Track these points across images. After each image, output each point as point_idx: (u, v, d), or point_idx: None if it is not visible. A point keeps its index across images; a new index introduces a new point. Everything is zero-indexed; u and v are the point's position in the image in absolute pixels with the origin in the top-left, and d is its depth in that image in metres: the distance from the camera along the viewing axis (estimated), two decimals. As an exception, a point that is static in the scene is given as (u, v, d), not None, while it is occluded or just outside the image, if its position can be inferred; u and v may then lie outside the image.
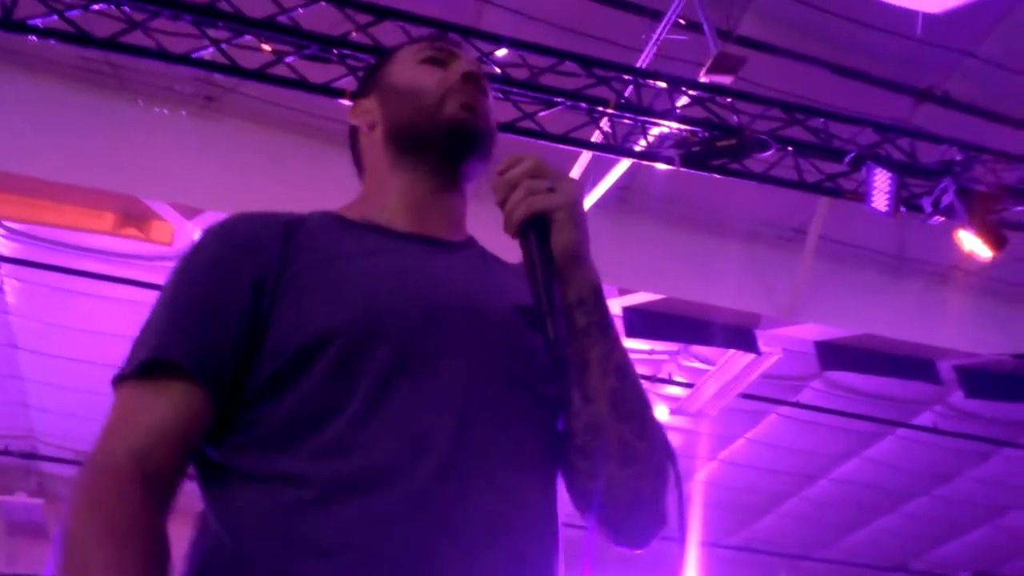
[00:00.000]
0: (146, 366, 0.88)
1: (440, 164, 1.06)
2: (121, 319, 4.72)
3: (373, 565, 0.81)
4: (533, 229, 0.91)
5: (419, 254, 1.00)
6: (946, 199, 3.88)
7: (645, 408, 0.94)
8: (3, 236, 4.80)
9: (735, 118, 3.93)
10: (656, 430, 0.94)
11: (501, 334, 0.93)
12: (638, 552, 0.95)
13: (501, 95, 3.84)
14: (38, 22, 3.29)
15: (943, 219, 4.11)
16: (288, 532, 0.82)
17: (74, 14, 3.31)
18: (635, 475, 0.91)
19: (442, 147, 1.05)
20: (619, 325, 5.33)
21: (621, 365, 0.93)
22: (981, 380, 5.68)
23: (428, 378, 0.89)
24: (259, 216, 1.00)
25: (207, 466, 0.91)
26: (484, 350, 0.93)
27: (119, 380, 0.90)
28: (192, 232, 4.60)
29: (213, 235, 0.98)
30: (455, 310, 0.94)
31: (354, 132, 1.15)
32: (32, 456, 6.37)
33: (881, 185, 3.80)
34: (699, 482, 7.17)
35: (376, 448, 0.85)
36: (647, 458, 0.92)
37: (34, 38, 3.32)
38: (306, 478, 0.84)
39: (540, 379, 0.94)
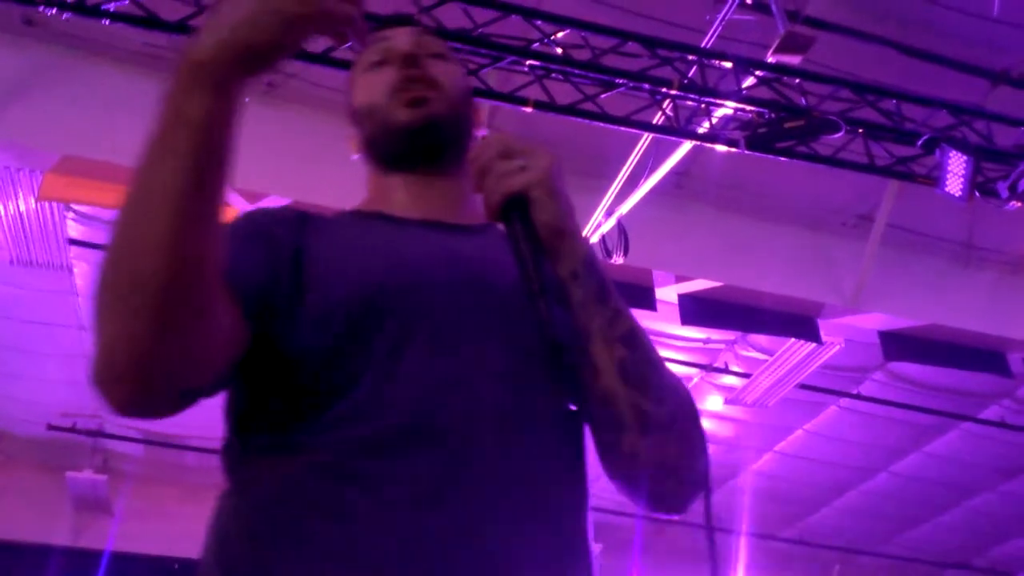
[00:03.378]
0: None
1: (414, 165, 1.07)
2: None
3: (387, 528, 0.81)
4: (515, 211, 0.90)
5: (429, 236, 1.01)
6: (1024, 183, 3.75)
7: (660, 374, 0.91)
8: (73, 219, 4.93)
9: (803, 99, 3.84)
10: (675, 395, 0.92)
11: (512, 309, 0.91)
12: (676, 518, 0.94)
13: (562, 77, 3.81)
14: (110, 6, 3.35)
15: (1019, 205, 3.96)
16: (303, 498, 0.83)
17: (145, -2, 3.37)
18: (658, 442, 0.89)
19: (405, 152, 1.06)
20: (674, 313, 5.28)
21: (627, 334, 0.91)
22: (1053, 373, 5.49)
23: (439, 349, 0.89)
24: (274, 207, 1.03)
25: (229, 446, 0.92)
26: (494, 324, 0.92)
27: None
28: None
29: (243, 215, 1.01)
30: (464, 285, 0.94)
31: None
32: (98, 434, 6.56)
33: (956, 169, 3.67)
34: (753, 473, 7.09)
35: (388, 416, 0.85)
36: (668, 425, 0.90)
37: (107, 22, 3.38)
38: (319, 446, 0.85)
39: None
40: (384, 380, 0.87)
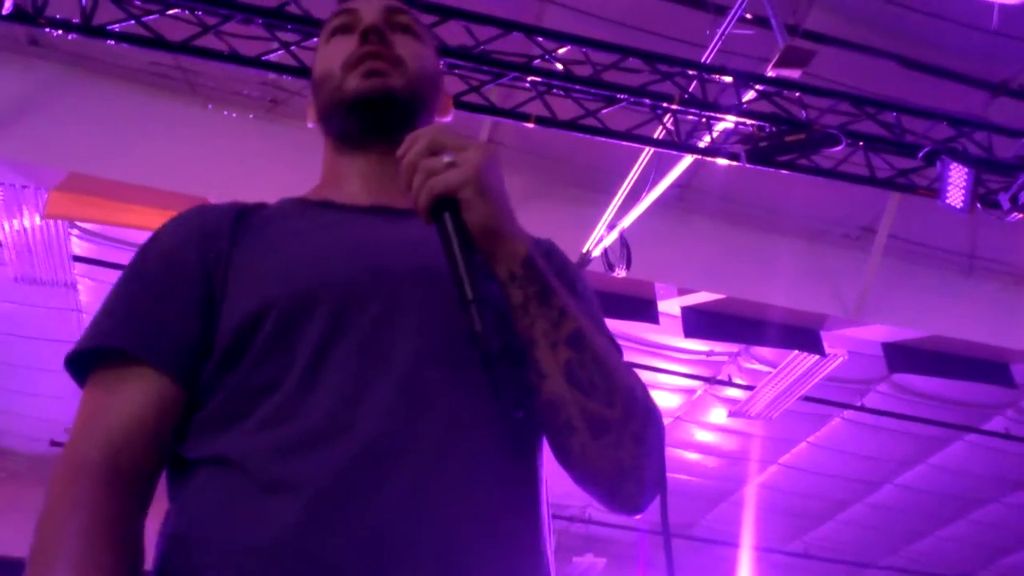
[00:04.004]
0: (98, 353, 0.89)
1: (365, 138, 1.01)
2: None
3: (317, 528, 0.78)
4: (444, 211, 0.83)
5: (374, 225, 0.96)
6: (1025, 195, 3.76)
7: (612, 375, 0.86)
8: (77, 237, 4.95)
9: (803, 113, 3.86)
10: (629, 394, 0.87)
11: (455, 297, 0.84)
12: (637, 517, 0.91)
13: (564, 92, 3.84)
14: (115, 27, 3.38)
15: (1020, 216, 3.98)
16: (232, 510, 0.80)
17: (150, 19, 3.39)
18: (610, 444, 0.85)
19: (356, 123, 1.01)
20: (677, 325, 5.28)
21: (573, 335, 0.85)
22: (1057, 384, 5.48)
23: (373, 339, 0.85)
24: (215, 206, 0.99)
25: (170, 460, 0.90)
26: (434, 314, 0.88)
27: (79, 369, 0.90)
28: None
29: (166, 226, 0.97)
30: (403, 275, 0.90)
31: None
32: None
33: (957, 181, 3.69)
34: (756, 486, 7.06)
35: (315, 412, 0.82)
36: (620, 426, 0.85)
37: (111, 43, 3.41)
38: (247, 454, 0.82)
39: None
40: (313, 375, 0.84)
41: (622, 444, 0.86)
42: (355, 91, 0.99)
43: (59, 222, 4.76)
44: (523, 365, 0.87)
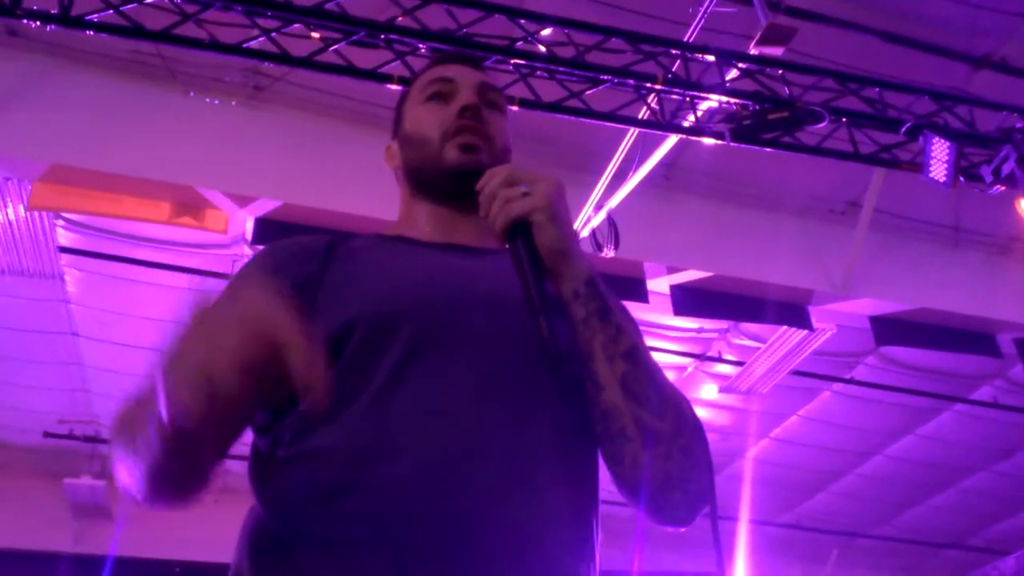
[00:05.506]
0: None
1: (451, 200, 1.14)
2: (178, 306, 4.82)
3: (404, 527, 0.85)
4: (519, 234, 0.95)
5: (448, 258, 1.07)
6: (1007, 167, 3.78)
7: (663, 390, 0.95)
8: (63, 227, 4.93)
9: (787, 90, 3.86)
10: (678, 409, 0.95)
11: (524, 326, 0.94)
12: (683, 530, 0.96)
13: (547, 75, 3.83)
14: (94, 17, 3.35)
15: (1003, 188, 4.00)
16: (320, 505, 0.87)
17: (129, 8, 3.37)
18: (660, 455, 0.92)
19: (447, 189, 1.13)
20: (667, 304, 5.30)
21: (630, 349, 0.95)
22: (1043, 353, 5.53)
23: (448, 361, 0.94)
24: (308, 236, 1.11)
25: (255, 457, 0.98)
26: (505, 339, 0.97)
27: None
28: (245, 219, 4.67)
29: (265, 249, 1.10)
30: (477, 303, 0.99)
31: None
32: (95, 440, 6.56)
33: (939, 155, 3.70)
34: (750, 460, 7.13)
35: (397, 420, 0.90)
36: (670, 438, 0.93)
37: (91, 32, 3.38)
38: (333, 452, 0.89)
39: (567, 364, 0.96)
40: (394, 387, 0.92)
41: (671, 456, 0.93)
42: (452, 163, 1.12)
43: (44, 213, 4.74)
44: (585, 374, 0.95)
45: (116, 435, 0.89)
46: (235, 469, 0.96)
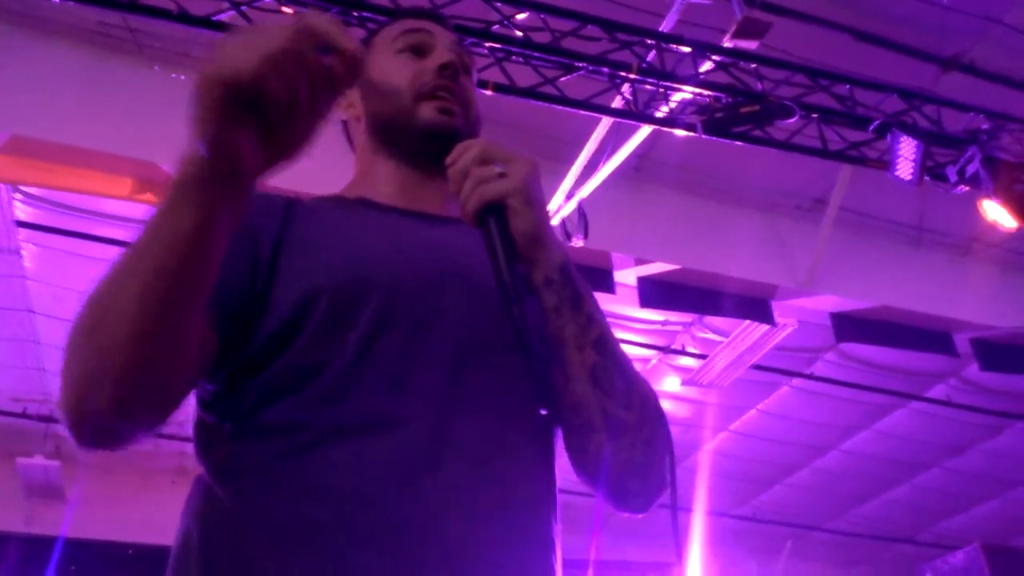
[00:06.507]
0: None
1: (419, 159, 1.09)
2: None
3: (364, 505, 0.82)
4: (492, 216, 0.91)
5: (412, 225, 1.03)
6: (972, 168, 3.84)
7: (630, 380, 0.94)
8: (21, 201, 4.81)
9: (759, 84, 3.88)
10: (644, 401, 0.94)
11: (492, 300, 0.91)
12: (640, 517, 0.97)
13: (522, 59, 3.81)
14: (58, -17, 3.25)
15: (967, 189, 4.07)
16: (280, 478, 0.84)
17: (94, -25, 3.27)
18: (624, 446, 0.92)
19: (418, 147, 1.08)
20: (633, 295, 5.31)
21: (599, 339, 0.94)
22: (997, 353, 5.66)
23: (418, 333, 0.91)
24: (263, 194, 1.02)
25: (205, 430, 0.92)
26: (475, 312, 0.94)
27: None
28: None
29: None
30: (446, 275, 0.96)
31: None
32: (49, 419, 6.42)
33: (906, 153, 3.76)
34: (708, 452, 7.20)
35: (365, 396, 0.87)
36: (636, 429, 0.92)
37: (56, 0, 3.28)
38: (296, 425, 0.86)
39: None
40: (364, 359, 0.88)
41: (636, 446, 0.92)
42: (427, 123, 1.07)
43: (2, 186, 4.61)
44: (554, 363, 0.93)
45: (79, 323, 0.81)
46: (190, 451, 0.92)
